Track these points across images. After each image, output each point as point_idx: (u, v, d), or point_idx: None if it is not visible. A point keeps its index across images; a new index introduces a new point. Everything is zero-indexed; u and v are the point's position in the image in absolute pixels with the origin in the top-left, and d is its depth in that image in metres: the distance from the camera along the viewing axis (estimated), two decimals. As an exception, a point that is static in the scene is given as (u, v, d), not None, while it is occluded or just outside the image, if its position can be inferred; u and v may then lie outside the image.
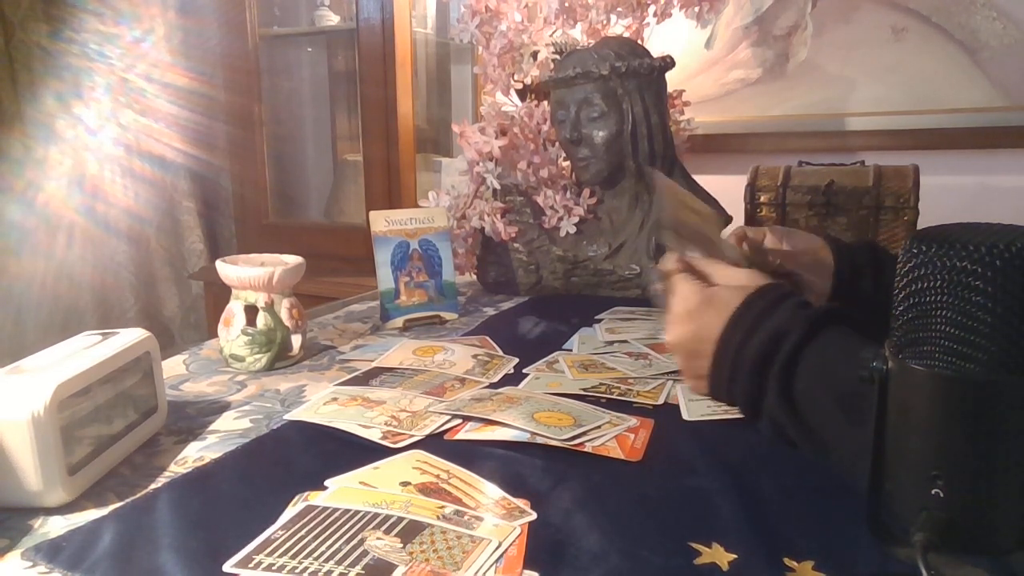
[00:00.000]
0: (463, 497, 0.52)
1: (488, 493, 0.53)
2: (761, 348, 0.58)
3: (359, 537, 0.46)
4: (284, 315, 0.85)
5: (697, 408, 0.68)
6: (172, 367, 0.84)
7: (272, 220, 2.16)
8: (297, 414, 0.68)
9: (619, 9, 1.37)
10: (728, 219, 1.26)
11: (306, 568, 0.43)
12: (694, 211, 0.79)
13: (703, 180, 1.30)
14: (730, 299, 0.62)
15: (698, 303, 0.63)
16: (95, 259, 1.97)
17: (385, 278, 1.02)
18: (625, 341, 0.91)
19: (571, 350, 0.89)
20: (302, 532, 0.46)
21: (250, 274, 0.82)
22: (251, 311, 0.83)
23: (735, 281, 0.65)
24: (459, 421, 0.66)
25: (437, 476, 0.55)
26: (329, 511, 0.49)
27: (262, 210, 2.15)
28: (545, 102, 1.33)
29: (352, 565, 0.43)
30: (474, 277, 1.34)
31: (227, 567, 0.43)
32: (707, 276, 0.68)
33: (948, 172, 1.50)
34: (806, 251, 0.79)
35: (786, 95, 1.66)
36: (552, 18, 1.33)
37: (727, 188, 1.38)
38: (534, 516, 0.49)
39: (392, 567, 0.43)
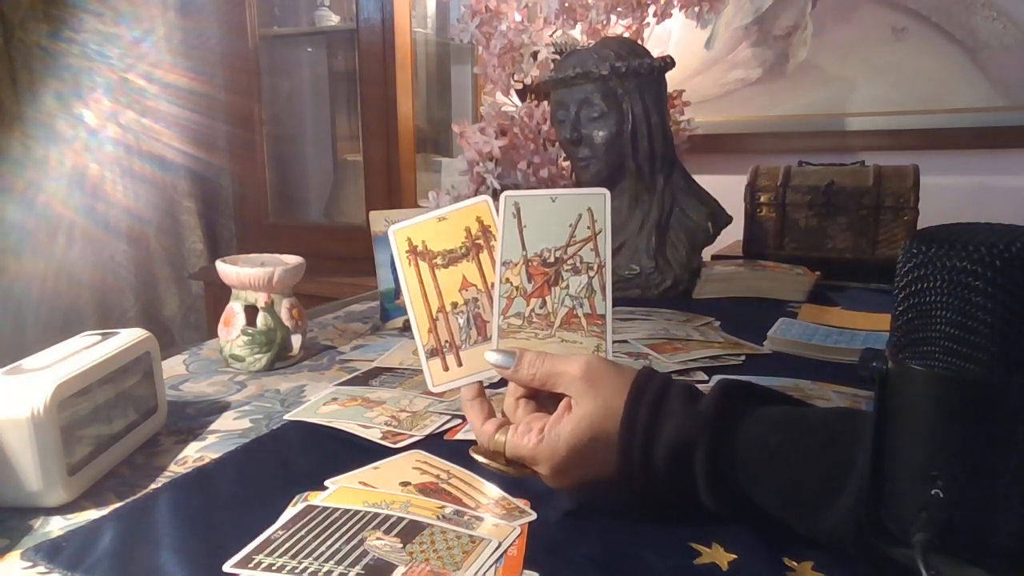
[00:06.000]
0: (463, 497, 0.52)
1: (488, 493, 0.53)
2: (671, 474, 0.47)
3: (359, 537, 0.46)
4: (284, 315, 0.85)
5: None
6: (172, 367, 0.84)
7: (272, 220, 2.17)
8: (297, 414, 0.68)
9: (619, 9, 1.37)
10: (728, 219, 1.27)
11: (306, 568, 0.43)
12: None
13: (703, 180, 1.30)
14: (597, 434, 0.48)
15: (563, 456, 0.48)
16: (95, 259, 1.97)
17: (385, 278, 1.02)
18: (625, 341, 0.91)
19: (571, 350, 0.89)
20: (302, 532, 0.46)
21: (250, 274, 0.82)
22: (251, 311, 0.83)
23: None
24: (459, 421, 0.66)
25: (437, 476, 0.55)
26: (329, 511, 0.49)
27: (262, 210, 2.15)
28: (545, 102, 1.33)
29: (352, 565, 0.43)
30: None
31: (227, 567, 0.43)
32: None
33: (948, 172, 1.50)
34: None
35: (786, 95, 1.67)
36: (552, 18, 1.33)
37: (727, 188, 1.39)
38: (534, 516, 0.49)
39: (392, 567, 0.43)
